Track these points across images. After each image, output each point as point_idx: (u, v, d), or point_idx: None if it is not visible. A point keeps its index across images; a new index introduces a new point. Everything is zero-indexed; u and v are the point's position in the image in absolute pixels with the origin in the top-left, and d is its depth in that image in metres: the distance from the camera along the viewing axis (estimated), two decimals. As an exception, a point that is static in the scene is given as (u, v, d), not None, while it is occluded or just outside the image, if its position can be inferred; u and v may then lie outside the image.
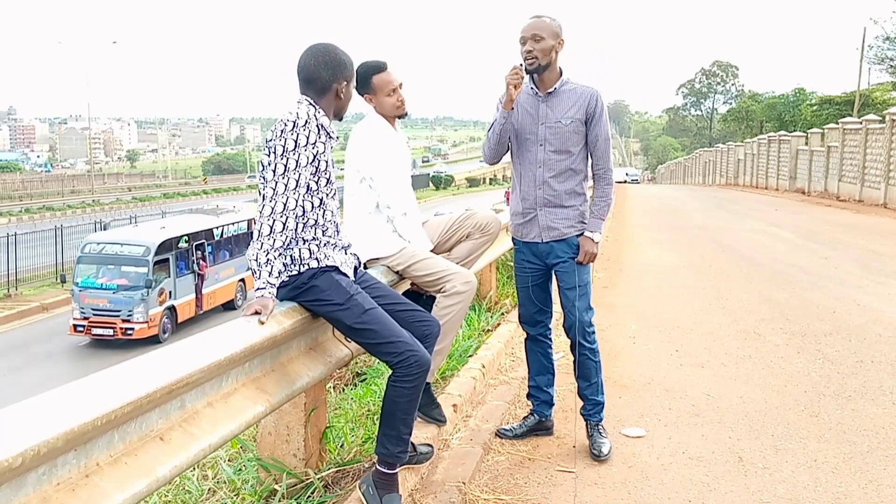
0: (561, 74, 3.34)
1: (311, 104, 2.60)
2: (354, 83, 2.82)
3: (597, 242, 3.39)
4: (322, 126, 2.58)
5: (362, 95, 3.25)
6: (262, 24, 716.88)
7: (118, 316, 16.46)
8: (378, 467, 2.63)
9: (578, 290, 3.40)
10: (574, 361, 3.51)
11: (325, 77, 2.62)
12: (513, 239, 3.59)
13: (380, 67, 3.25)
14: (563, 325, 3.51)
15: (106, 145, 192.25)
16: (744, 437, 3.66)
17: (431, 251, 3.38)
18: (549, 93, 3.33)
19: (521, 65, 3.22)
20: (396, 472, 2.65)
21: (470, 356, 4.75)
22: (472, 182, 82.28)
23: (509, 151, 3.49)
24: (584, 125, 3.33)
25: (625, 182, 51.44)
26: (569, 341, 3.51)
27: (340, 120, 2.77)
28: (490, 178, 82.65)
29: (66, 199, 55.43)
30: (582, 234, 3.41)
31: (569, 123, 3.30)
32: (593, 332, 3.49)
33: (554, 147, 3.33)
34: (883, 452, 3.46)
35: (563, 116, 3.31)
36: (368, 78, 3.24)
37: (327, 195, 2.65)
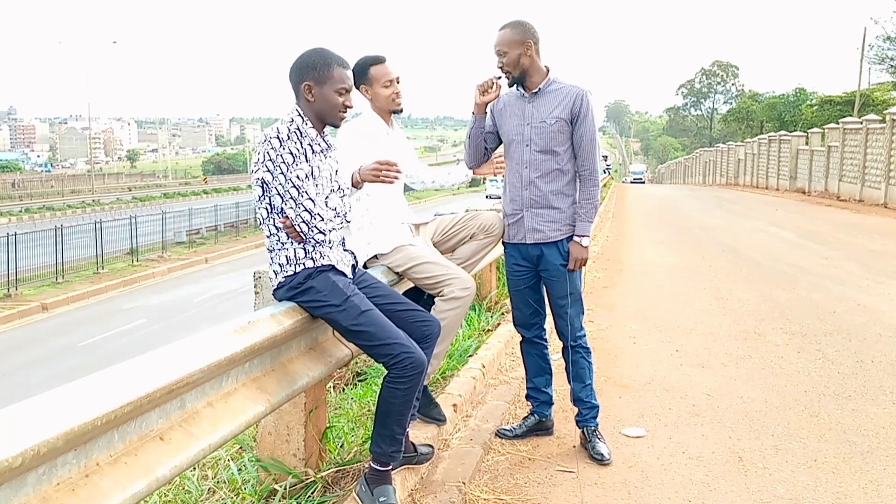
0: (547, 74, 3.31)
1: (299, 114, 2.62)
2: (343, 85, 2.61)
3: (586, 247, 3.34)
4: (301, 138, 2.56)
5: (359, 87, 3.24)
6: (263, 24, 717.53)
7: None
8: (372, 465, 2.66)
9: (570, 297, 3.37)
10: (567, 365, 3.51)
11: (293, 81, 2.63)
12: (503, 242, 3.54)
13: (378, 59, 3.29)
14: (556, 330, 3.50)
15: (106, 145, 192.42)
16: (744, 437, 3.66)
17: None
18: (535, 93, 3.31)
19: (501, 76, 3.27)
20: (389, 470, 2.67)
21: (470, 356, 4.75)
22: (472, 181, 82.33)
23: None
24: (569, 125, 3.28)
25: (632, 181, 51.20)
26: (561, 343, 3.51)
27: (337, 126, 2.73)
28: (490, 178, 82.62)
29: (67, 199, 55.45)
30: (570, 237, 3.35)
31: (553, 123, 3.27)
32: (584, 336, 3.49)
33: (539, 147, 3.30)
34: (883, 452, 3.46)
35: (548, 116, 3.28)
36: (366, 68, 3.25)
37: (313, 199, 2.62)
